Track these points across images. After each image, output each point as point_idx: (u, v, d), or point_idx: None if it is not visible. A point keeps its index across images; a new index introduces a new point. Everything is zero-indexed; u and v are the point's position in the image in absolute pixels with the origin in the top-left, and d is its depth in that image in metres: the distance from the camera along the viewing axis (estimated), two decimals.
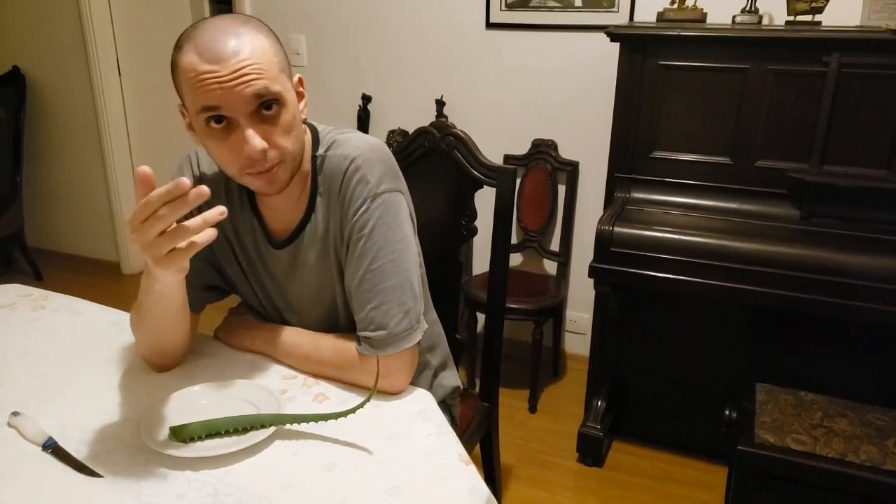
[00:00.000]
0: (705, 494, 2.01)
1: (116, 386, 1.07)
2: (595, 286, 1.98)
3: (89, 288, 3.42)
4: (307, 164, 1.09)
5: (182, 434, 0.90)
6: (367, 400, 0.91)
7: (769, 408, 1.66)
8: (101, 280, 3.54)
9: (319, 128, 1.13)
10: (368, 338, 1.05)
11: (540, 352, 2.38)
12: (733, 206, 1.89)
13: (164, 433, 0.91)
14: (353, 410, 0.92)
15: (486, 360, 1.58)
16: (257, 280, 1.19)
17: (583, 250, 2.55)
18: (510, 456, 2.17)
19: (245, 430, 0.92)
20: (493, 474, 1.70)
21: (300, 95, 1.05)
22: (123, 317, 1.30)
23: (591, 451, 2.14)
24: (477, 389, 1.68)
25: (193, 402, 0.99)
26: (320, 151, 1.10)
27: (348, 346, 1.08)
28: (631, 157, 2.00)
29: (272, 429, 0.92)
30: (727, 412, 1.75)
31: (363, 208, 1.05)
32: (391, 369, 1.04)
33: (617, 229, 1.87)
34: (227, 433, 0.92)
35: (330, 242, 1.10)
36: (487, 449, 1.68)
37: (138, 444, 0.91)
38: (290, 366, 1.11)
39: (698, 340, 2.07)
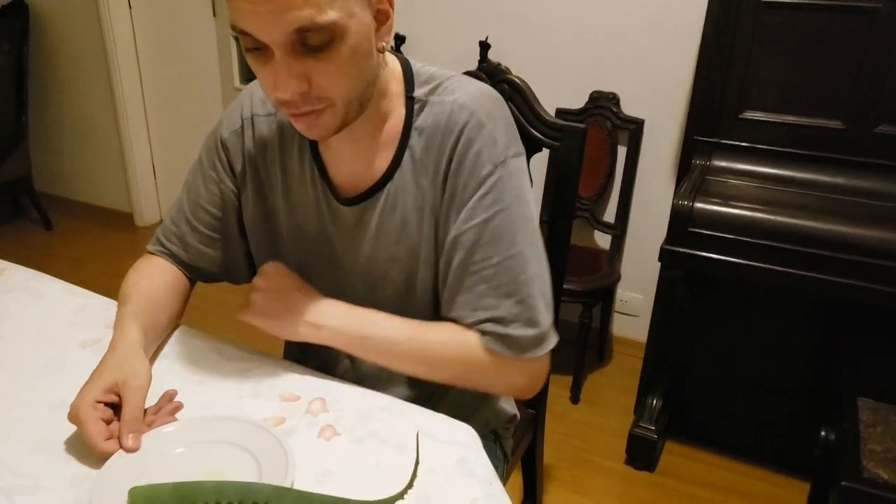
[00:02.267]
0: None
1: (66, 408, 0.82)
2: (663, 270, 1.68)
3: (99, 240, 3.21)
4: (393, 106, 0.86)
5: (144, 500, 0.66)
6: (411, 484, 0.68)
7: (878, 432, 1.36)
8: (113, 232, 3.32)
9: (411, 62, 0.88)
10: (514, 337, 0.84)
11: (587, 337, 2.10)
12: (842, 181, 1.55)
13: (120, 498, 0.66)
14: (396, 499, 0.67)
15: None
16: (302, 245, 0.95)
17: (642, 222, 2.24)
18: (549, 454, 1.91)
19: None
20: (534, 485, 1.45)
21: (383, 16, 0.77)
22: (92, 301, 1.04)
23: (642, 455, 1.87)
24: None
25: (165, 448, 0.74)
26: (419, 93, 0.85)
27: (470, 340, 0.85)
28: (715, 117, 1.67)
29: None
30: (823, 433, 1.45)
31: (492, 178, 0.82)
32: (536, 373, 0.88)
33: (698, 205, 1.55)
34: None
35: (425, 208, 0.86)
36: (530, 458, 1.43)
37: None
38: (368, 360, 0.89)
39: (778, 336, 1.76)
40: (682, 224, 1.56)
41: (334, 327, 0.85)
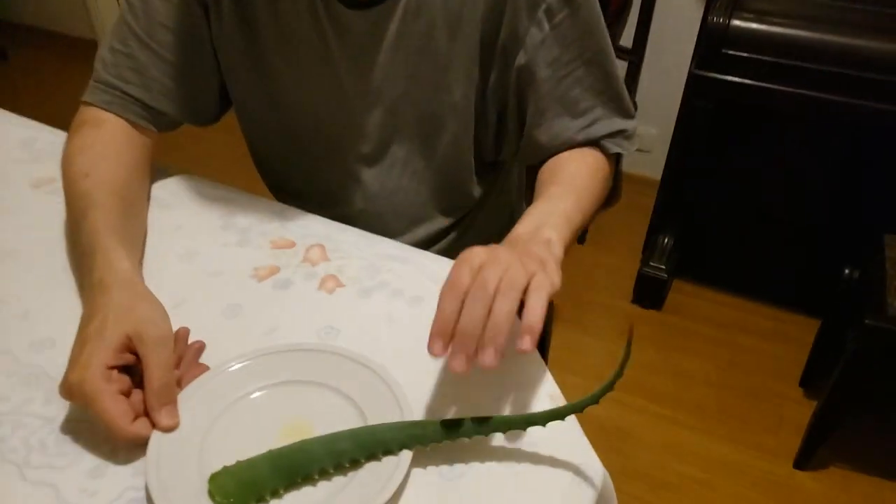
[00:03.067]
0: (779, 348, 1.72)
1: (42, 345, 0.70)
2: (689, 99, 1.52)
3: (61, 71, 2.95)
4: None
5: (234, 492, 0.48)
6: (620, 374, 0.53)
7: None
8: (77, 63, 3.05)
9: None
10: (626, 132, 0.77)
11: None
12: None
13: (198, 493, 0.49)
14: (604, 392, 0.52)
15: None
16: (294, 66, 0.76)
17: (662, 47, 2.03)
18: (558, 296, 1.87)
19: (355, 465, 0.51)
20: (544, 331, 1.40)
21: None
22: (44, 134, 0.89)
23: (650, 294, 1.83)
24: None
25: (213, 408, 0.55)
26: None
27: (595, 161, 0.75)
28: None
29: (408, 456, 0.51)
30: (847, 270, 1.38)
31: None
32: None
33: (735, 23, 1.36)
34: (324, 474, 0.51)
35: (462, 18, 0.70)
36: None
37: None
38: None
39: (801, 171, 1.63)
40: (714, 45, 1.38)
41: (562, 241, 0.63)
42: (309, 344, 0.60)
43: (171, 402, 0.53)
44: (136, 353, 0.54)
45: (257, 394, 0.56)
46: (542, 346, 1.41)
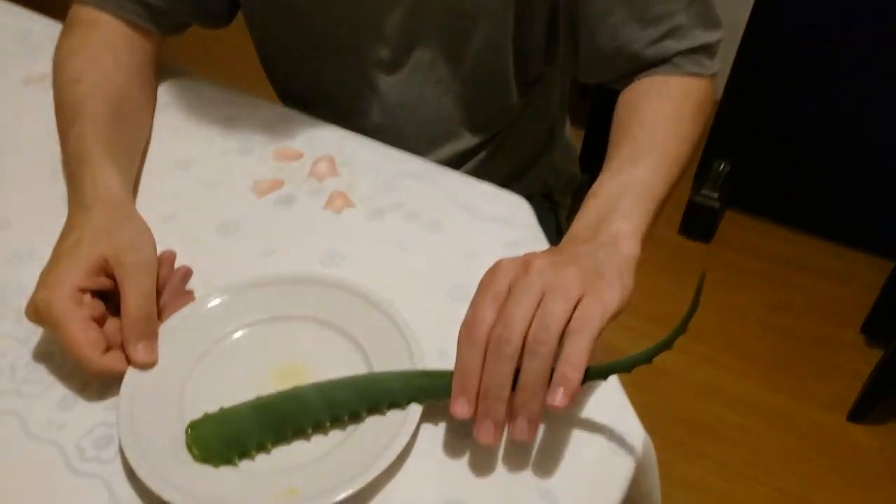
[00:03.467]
0: (840, 289, 1.59)
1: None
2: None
3: None
4: None
5: (215, 444, 0.42)
6: (683, 329, 0.44)
7: None
8: None
9: None
10: (708, 47, 0.60)
11: None
12: None
13: (174, 441, 0.42)
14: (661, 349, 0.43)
15: (594, 113, 1.09)
16: None
17: None
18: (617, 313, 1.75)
19: (355, 419, 0.44)
20: None
21: None
22: (39, 26, 0.81)
23: (700, 225, 1.70)
24: None
25: (198, 345, 0.48)
26: None
27: (672, 91, 0.59)
28: None
29: (417, 412, 0.43)
30: None
31: None
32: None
33: None
34: (319, 428, 0.44)
35: None
36: None
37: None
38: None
39: (882, 91, 1.45)
40: None
41: (639, 231, 0.49)
42: (308, 274, 0.52)
43: (150, 336, 0.46)
44: (114, 279, 0.47)
45: (246, 331, 0.49)
46: None
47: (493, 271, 0.42)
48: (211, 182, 0.61)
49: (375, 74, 0.70)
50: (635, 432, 0.44)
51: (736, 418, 1.33)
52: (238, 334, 0.48)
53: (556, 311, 0.38)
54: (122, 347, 0.46)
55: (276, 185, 0.61)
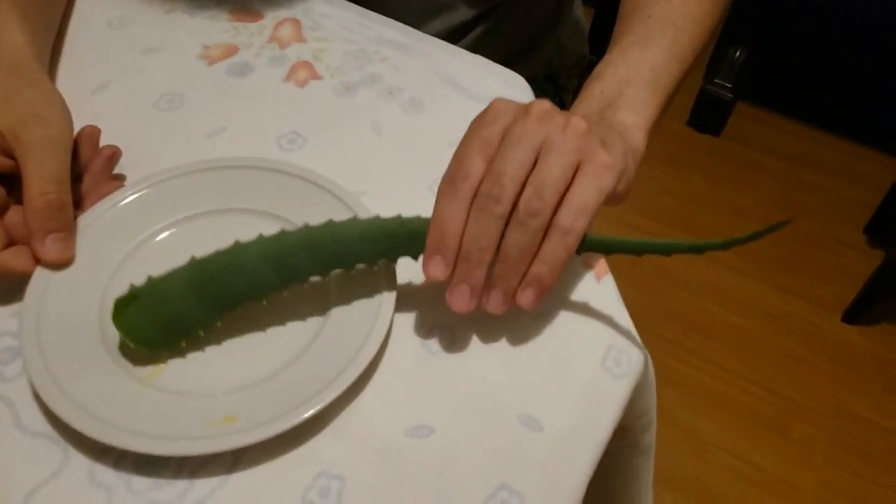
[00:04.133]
0: (848, 187, 1.52)
1: None
2: None
3: None
4: None
5: (150, 333, 0.35)
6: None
7: None
8: None
9: None
10: None
11: None
12: None
13: (90, 357, 0.35)
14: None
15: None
16: None
17: None
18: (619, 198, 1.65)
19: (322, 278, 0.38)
20: None
21: None
22: None
23: (710, 116, 1.60)
24: None
25: (121, 244, 0.40)
26: None
27: None
28: None
29: (391, 276, 0.38)
30: None
31: None
32: None
33: None
34: (274, 298, 0.37)
35: None
36: None
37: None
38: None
39: None
40: None
41: (646, 125, 0.42)
42: (259, 159, 0.43)
43: (63, 228, 0.38)
44: (13, 159, 0.38)
45: (178, 228, 0.41)
46: None
47: (485, 114, 0.35)
48: (152, 46, 0.52)
49: None
50: (634, 350, 0.38)
51: (732, 318, 1.30)
52: (168, 232, 0.41)
53: (554, 175, 0.33)
54: (30, 245, 0.37)
55: (230, 51, 0.52)
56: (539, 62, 0.76)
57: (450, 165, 0.34)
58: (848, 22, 1.44)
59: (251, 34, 0.53)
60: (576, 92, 0.90)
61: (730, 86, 1.54)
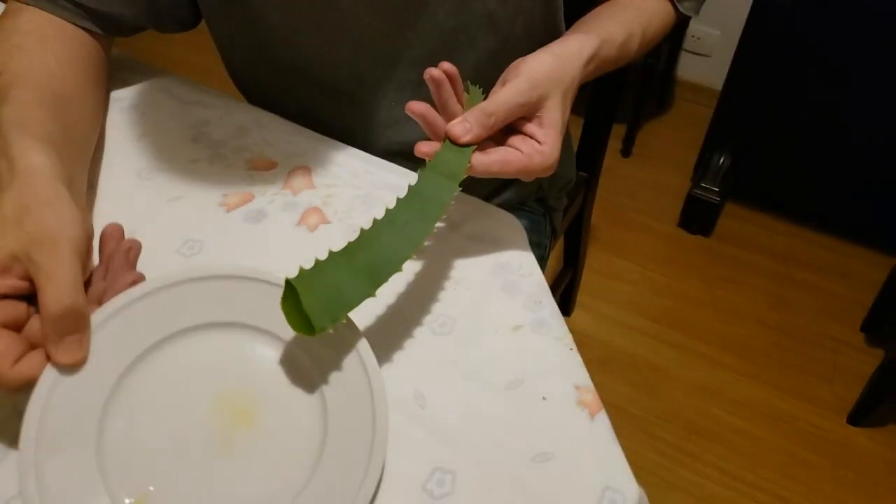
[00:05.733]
0: (840, 285, 1.56)
1: None
2: None
3: None
4: None
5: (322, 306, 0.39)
6: None
7: None
8: None
9: None
10: None
11: (652, 81, 1.76)
12: None
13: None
14: None
15: (592, 108, 1.04)
16: None
17: None
18: (593, 213, 1.71)
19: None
20: (576, 255, 1.27)
21: None
22: None
23: (699, 218, 1.66)
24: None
25: (131, 347, 0.42)
26: None
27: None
28: None
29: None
30: None
31: None
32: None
33: None
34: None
35: None
36: (576, 227, 1.23)
37: None
38: None
39: (884, 83, 1.40)
40: None
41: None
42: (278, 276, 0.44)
43: (78, 330, 0.39)
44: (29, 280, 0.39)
45: (189, 337, 0.43)
46: (574, 266, 1.28)
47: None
48: (176, 195, 0.57)
49: (362, 96, 0.65)
50: (630, 488, 0.40)
51: (734, 420, 1.30)
52: (178, 339, 0.42)
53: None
54: (45, 350, 0.38)
55: (247, 198, 0.57)
56: (529, 186, 0.81)
57: None
58: (825, 123, 1.52)
59: (266, 182, 0.58)
60: (565, 212, 0.96)
61: (717, 189, 1.61)
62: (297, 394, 0.41)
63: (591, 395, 0.44)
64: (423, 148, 0.46)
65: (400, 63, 0.62)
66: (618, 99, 0.98)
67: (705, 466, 1.23)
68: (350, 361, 0.41)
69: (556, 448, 0.41)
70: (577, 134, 0.99)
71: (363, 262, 0.41)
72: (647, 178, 1.84)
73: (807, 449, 1.27)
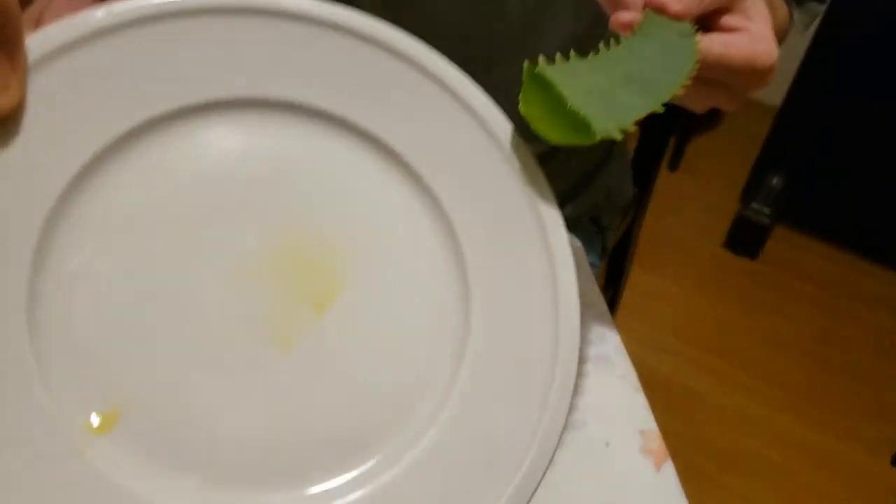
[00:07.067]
0: (888, 318, 1.50)
1: None
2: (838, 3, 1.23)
3: None
4: None
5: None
6: None
7: None
8: None
9: None
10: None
11: None
12: None
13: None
14: None
15: (650, 118, 0.99)
16: None
17: None
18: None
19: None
20: (619, 276, 1.23)
21: None
22: None
23: (747, 240, 1.61)
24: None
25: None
26: None
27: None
28: None
29: None
30: None
31: None
32: None
33: None
34: None
35: None
36: (622, 246, 1.19)
37: None
38: None
39: None
40: None
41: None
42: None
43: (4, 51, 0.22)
44: None
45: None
46: (615, 285, 1.24)
47: None
48: None
49: None
50: None
51: (770, 454, 1.25)
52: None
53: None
54: None
55: None
56: (584, 205, 0.78)
57: None
58: (886, 147, 1.46)
59: None
60: (619, 229, 0.92)
61: (767, 210, 1.56)
62: (419, 247, 0.24)
63: (657, 443, 0.41)
64: (624, 17, 0.34)
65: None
66: (678, 108, 0.94)
67: (737, 500, 1.18)
68: (519, 209, 0.24)
69: (617, 499, 0.38)
70: (631, 147, 0.95)
71: (626, 72, 0.29)
72: (694, 195, 1.79)
73: (846, 489, 1.22)
